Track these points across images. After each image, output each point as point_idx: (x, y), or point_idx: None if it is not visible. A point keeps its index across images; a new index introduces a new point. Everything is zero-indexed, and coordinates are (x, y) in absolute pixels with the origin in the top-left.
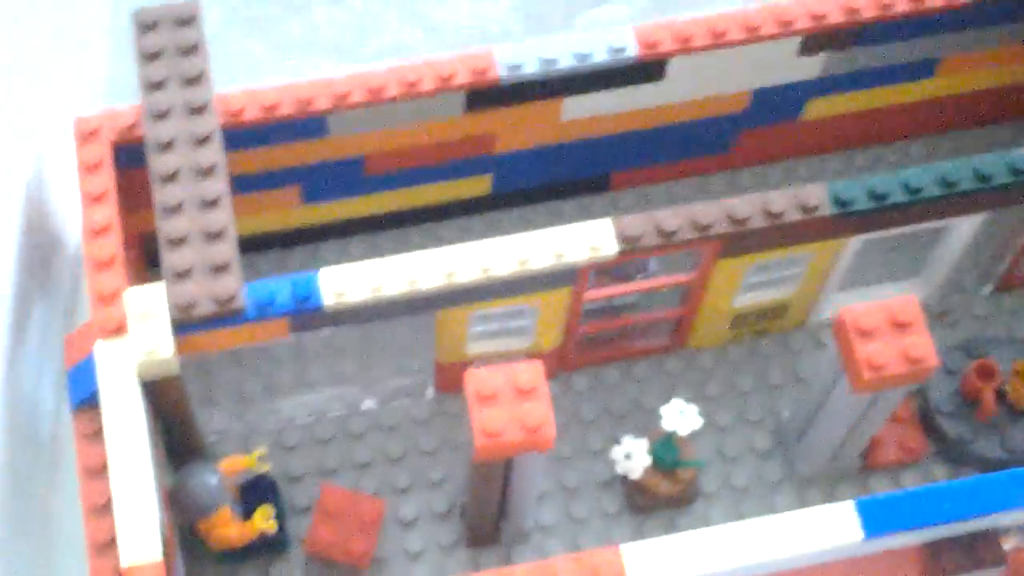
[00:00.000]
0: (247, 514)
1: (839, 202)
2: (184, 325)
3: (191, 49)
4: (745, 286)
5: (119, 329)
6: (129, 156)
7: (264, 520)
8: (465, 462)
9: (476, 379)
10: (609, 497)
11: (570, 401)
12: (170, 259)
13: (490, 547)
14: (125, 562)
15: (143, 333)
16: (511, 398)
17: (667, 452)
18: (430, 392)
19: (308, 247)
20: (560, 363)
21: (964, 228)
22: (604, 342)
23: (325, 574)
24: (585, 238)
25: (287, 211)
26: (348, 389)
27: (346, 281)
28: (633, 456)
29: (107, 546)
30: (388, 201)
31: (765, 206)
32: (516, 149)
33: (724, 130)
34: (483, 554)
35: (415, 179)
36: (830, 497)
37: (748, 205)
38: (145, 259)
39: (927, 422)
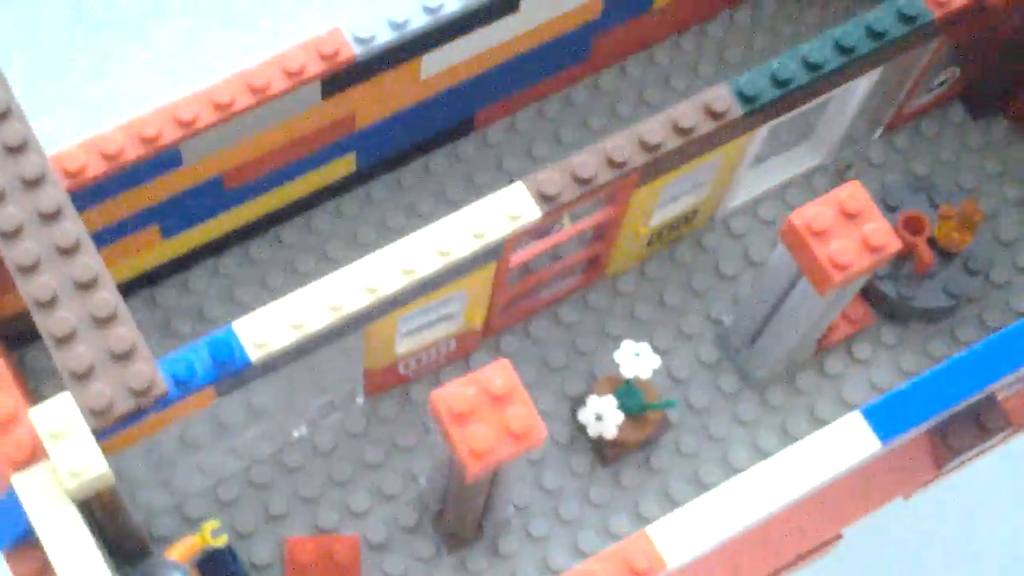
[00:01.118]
0: None
1: (746, 99)
2: (104, 431)
3: (4, 114)
4: (659, 204)
5: (32, 454)
6: None
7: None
8: (419, 464)
9: (445, 399)
10: (577, 458)
11: (533, 347)
12: (65, 360)
13: (473, 546)
14: None
15: (65, 454)
16: (489, 409)
17: (632, 399)
18: (359, 400)
19: (177, 278)
20: (485, 333)
21: (861, 86)
22: (524, 298)
23: None
24: (504, 209)
25: (147, 252)
26: (271, 423)
27: (265, 328)
28: (604, 415)
29: None
30: (252, 209)
31: (675, 123)
32: (377, 121)
33: (581, 39)
34: (469, 555)
35: (277, 180)
36: (794, 393)
37: (659, 127)
38: None
39: (866, 289)
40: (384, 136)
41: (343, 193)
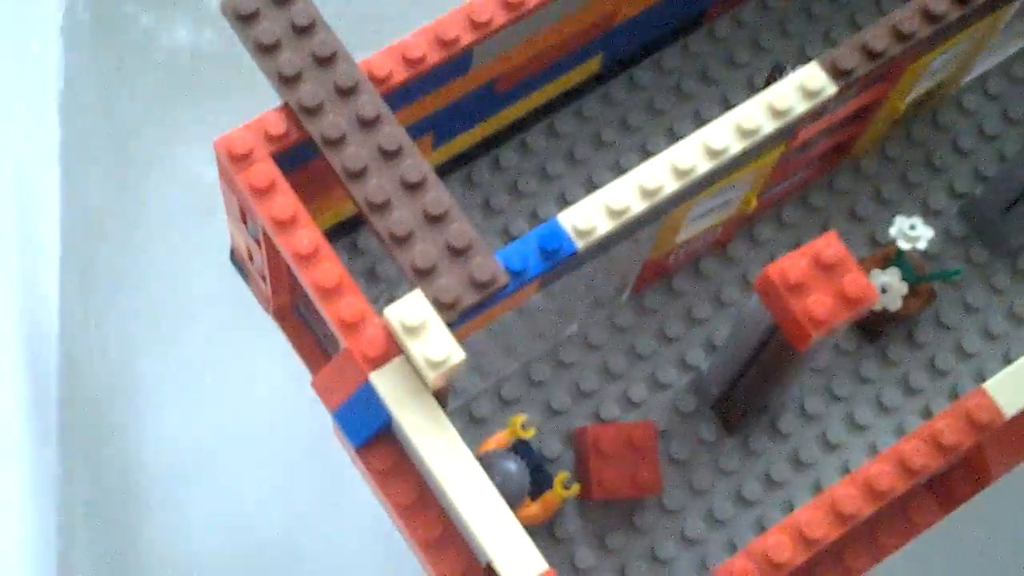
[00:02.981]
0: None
1: None
2: (453, 323)
3: (311, 26)
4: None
5: (385, 353)
6: (283, 162)
7: (563, 488)
8: (691, 352)
9: (781, 270)
10: (844, 337)
11: (789, 233)
12: (410, 258)
13: (754, 427)
14: None
15: (424, 346)
16: (823, 277)
17: (907, 271)
18: (625, 295)
19: None
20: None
21: None
22: (784, 182)
23: (606, 515)
24: (801, 88)
25: None
26: (544, 323)
27: (587, 217)
28: (891, 288)
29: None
30: (508, 114)
31: None
32: (632, 16)
33: None
34: (751, 436)
35: (537, 83)
36: None
37: None
38: None
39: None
40: (631, 34)
41: (585, 95)
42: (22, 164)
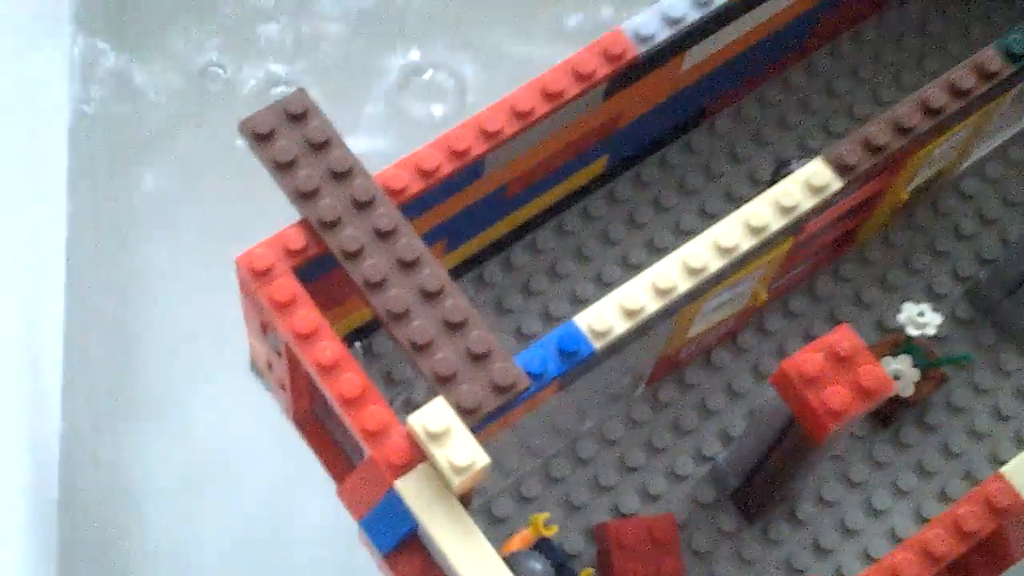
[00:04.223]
0: None
1: (1013, 57)
2: (475, 427)
3: (326, 143)
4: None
5: (409, 460)
6: (303, 274)
7: None
8: (706, 444)
9: (796, 365)
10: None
11: (798, 323)
12: (430, 366)
13: (773, 516)
14: None
15: (448, 452)
16: (838, 370)
17: (918, 357)
18: (640, 389)
19: None
20: (752, 312)
21: None
22: (790, 274)
23: None
24: (806, 184)
25: None
26: (561, 420)
27: (603, 318)
28: (903, 374)
29: None
30: (519, 216)
31: (954, 86)
32: (636, 117)
33: (803, 23)
34: (771, 525)
35: (545, 185)
36: None
37: (938, 92)
38: None
39: None
40: (636, 134)
41: (590, 193)
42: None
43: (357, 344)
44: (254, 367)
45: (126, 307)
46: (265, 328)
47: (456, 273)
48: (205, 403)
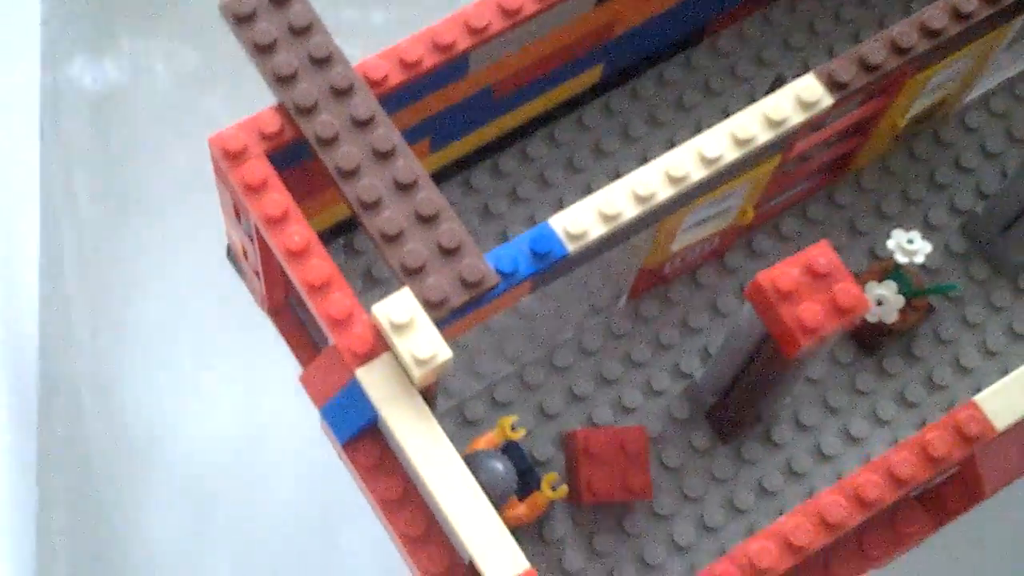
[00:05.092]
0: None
1: None
2: (440, 322)
3: (308, 28)
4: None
5: (372, 350)
6: (278, 161)
7: (551, 490)
8: (685, 360)
9: (771, 278)
10: (841, 348)
11: (787, 246)
12: (399, 256)
13: (747, 436)
14: None
15: (411, 343)
16: (814, 286)
17: (904, 284)
18: (622, 302)
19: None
20: (739, 232)
21: None
22: (781, 195)
23: (596, 518)
24: (797, 99)
25: None
26: (540, 327)
27: (579, 221)
28: (887, 300)
29: (444, 573)
30: (508, 121)
31: (956, 9)
32: (630, 27)
33: None
34: (744, 445)
35: (535, 91)
36: None
37: (939, 13)
38: None
39: None
40: (631, 45)
41: (585, 104)
42: None
43: (339, 241)
44: (231, 255)
45: None
46: (239, 214)
47: (443, 176)
48: None
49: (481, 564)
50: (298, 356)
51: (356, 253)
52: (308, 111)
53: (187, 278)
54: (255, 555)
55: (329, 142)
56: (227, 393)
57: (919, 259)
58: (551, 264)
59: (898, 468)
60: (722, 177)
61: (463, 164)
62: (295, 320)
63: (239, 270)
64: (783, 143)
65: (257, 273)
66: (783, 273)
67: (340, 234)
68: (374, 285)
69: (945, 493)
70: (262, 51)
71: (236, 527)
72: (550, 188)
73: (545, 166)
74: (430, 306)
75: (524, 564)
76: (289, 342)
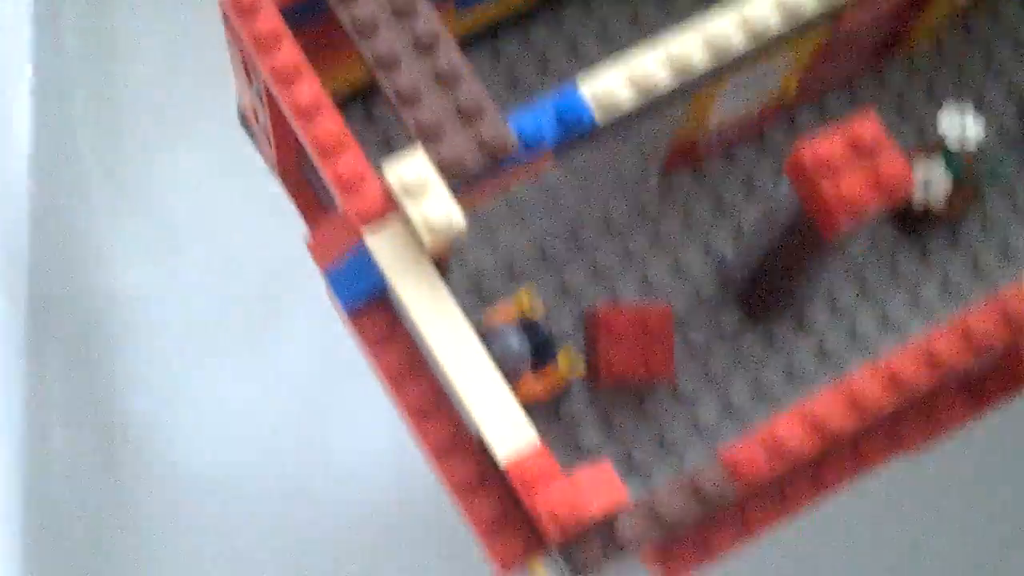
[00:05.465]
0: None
1: None
2: (456, 186)
3: None
4: None
5: (382, 213)
6: (292, 18)
7: (569, 367)
8: (716, 239)
9: (813, 149)
10: (882, 228)
11: (827, 125)
12: (414, 117)
13: (778, 318)
14: (506, 458)
15: (423, 207)
16: (857, 160)
17: (953, 166)
18: (653, 176)
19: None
20: (778, 110)
21: None
22: (828, 72)
23: (615, 399)
24: None
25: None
26: (566, 200)
27: (610, 88)
28: (933, 183)
29: (448, 450)
30: None
31: None
32: None
33: None
34: (776, 328)
35: None
36: None
37: None
38: None
39: None
40: None
41: None
42: None
43: (357, 105)
44: (242, 118)
45: None
46: (249, 74)
47: (470, 43)
48: None
49: (488, 436)
50: (309, 224)
51: (373, 120)
52: None
53: None
54: None
55: None
56: None
57: (971, 142)
58: (578, 132)
59: (938, 350)
60: (766, 48)
61: (491, 33)
62: (306, 185)
63: (250, 133)
64: (831, 17)
65: (268, 136)
66: (825, 144)
67: (357, 101)
68: (391, 154)
69: (985, 380)
70: None
71: None
72: (582, 59)
73: (577, 36)
74: (445, 169)
75: (533, 437)
76: (299, 207)
